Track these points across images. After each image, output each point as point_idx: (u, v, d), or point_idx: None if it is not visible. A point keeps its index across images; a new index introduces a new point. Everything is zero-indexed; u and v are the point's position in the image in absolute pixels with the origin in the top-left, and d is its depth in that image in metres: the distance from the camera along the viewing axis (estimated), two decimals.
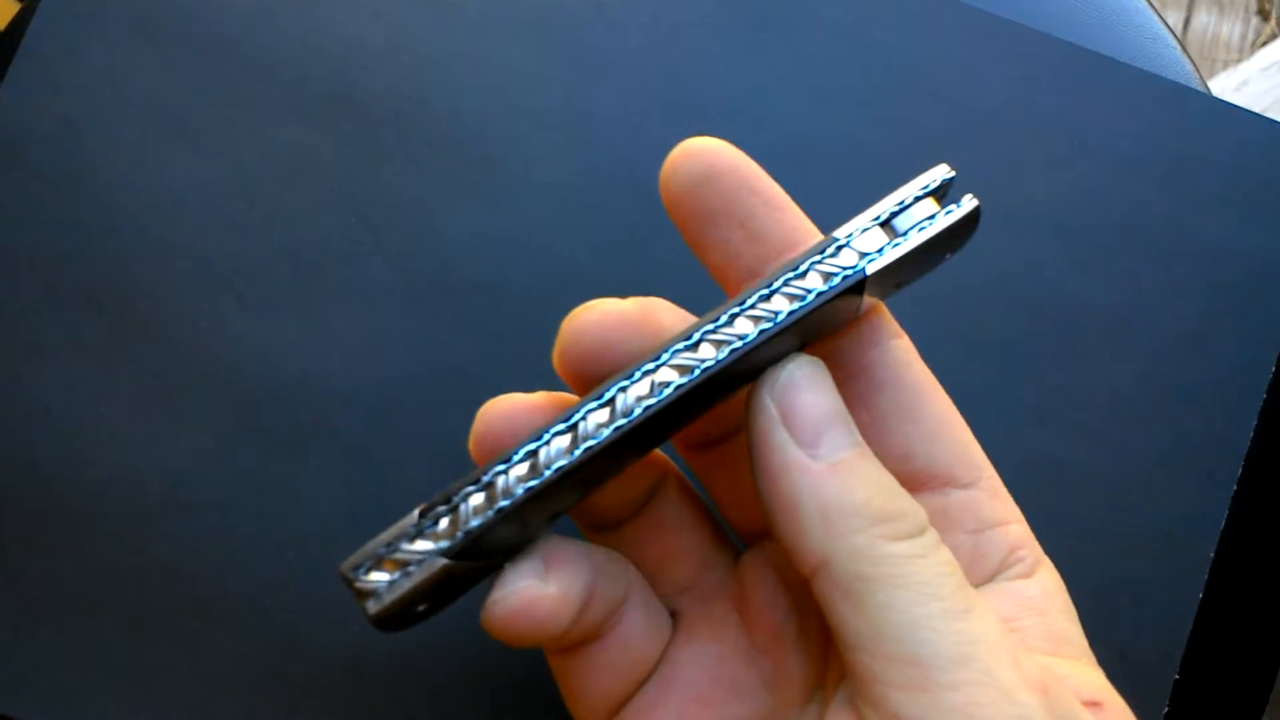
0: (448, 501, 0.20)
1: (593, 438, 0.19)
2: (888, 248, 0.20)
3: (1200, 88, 0.35)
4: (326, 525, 0.31)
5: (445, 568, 0.19)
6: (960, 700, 0.18)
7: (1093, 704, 0.21)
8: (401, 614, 0.20)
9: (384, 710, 0.30)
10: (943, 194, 0.21)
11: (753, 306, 0.20)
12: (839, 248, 0.20)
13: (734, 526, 0.26)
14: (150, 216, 0.32)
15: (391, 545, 0.19)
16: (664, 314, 0.22)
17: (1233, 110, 0.33)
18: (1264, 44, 1.18)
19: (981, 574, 0.23)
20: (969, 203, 0.21)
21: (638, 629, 0.23)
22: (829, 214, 0.30)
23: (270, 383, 0.31)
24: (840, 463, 0.20)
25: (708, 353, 0.20)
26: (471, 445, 0.22)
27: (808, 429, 0.20)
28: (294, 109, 0.33)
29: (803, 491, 0.20)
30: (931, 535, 0.20)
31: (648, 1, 0.33)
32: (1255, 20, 1.22)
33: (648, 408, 0.19)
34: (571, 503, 0.22)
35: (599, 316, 0.21)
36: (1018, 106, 0.33)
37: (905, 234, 0.20)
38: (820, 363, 0.21)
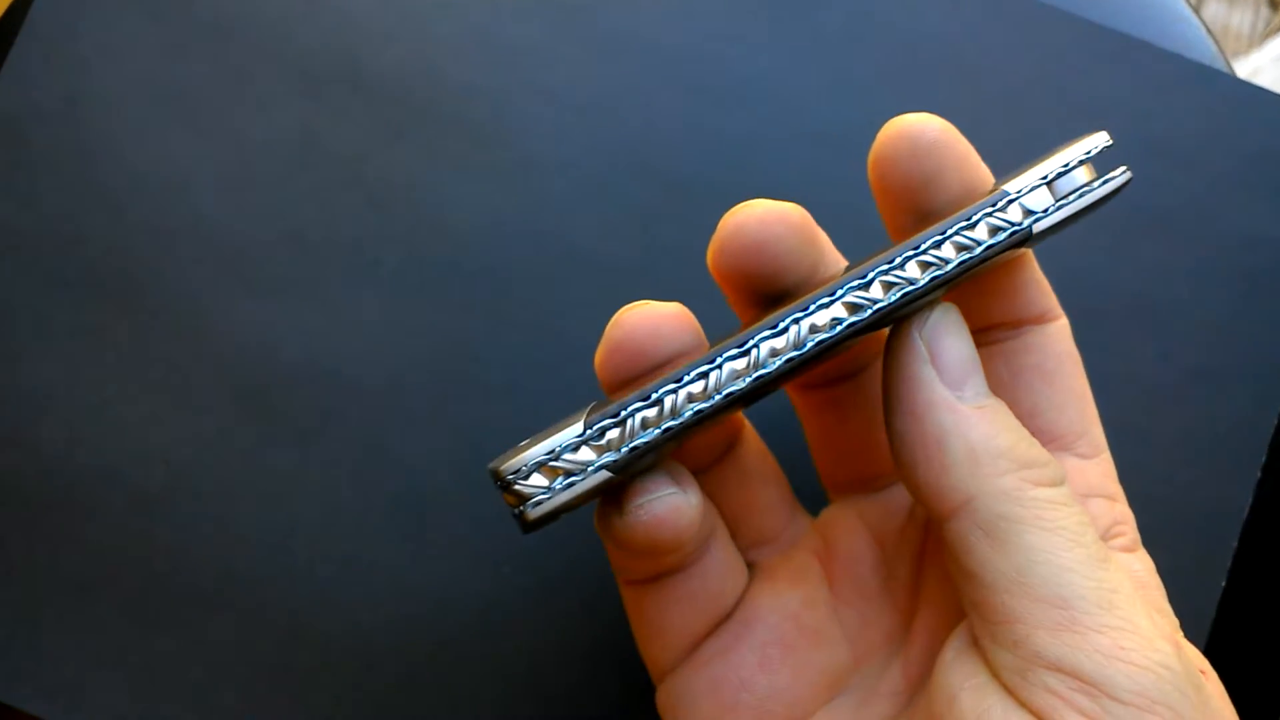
0: (615, 415, 0.20)
1: (764, 365, 0.20)
2: (1053, 209, 0.21)
3: (1225, 69, 0.34)
4: (332, 512, 0.30)
5: (607, 480, 0.20)
6: (1106, 643, 0.18)
7: (1200, 670, 0.21)
8: (550, 519, 0.20)
9: (390, 698, 0.30)
10: (1099, 161, 0.22)
11: (924, 252, 0.20)
12: (1009, 202, 0.21)
13: (825, 474, 0.26)
14: (155, 198, 0.31)
15: (554, 453, 0.20)
16: (817, 227, 0.22)
17: (1258, 92, 0.32)
18: (1274, 33, 1.17)
19: None
20: (1123, 174, 0.21)
21: (720, 563, 0.24)
22: (847, 195, 0.29)
23: (276, 368, 0.31)
24: (985, 407, 0.20)
25: (878, 293, 0.20)
26: (604, 354, 0.22)
27: (954, 370, 0.20)
28: (301, 89, 0.32)
29: (950, 430, 0.20)
30: (1069, 487, 0.21)
31: None
32: (1265, 10, 1.21)
33: (820, 341, 0.20)
34: (697, 435, 0.22)
35: (762, 212, 0.21)
36: (1040, 87, 0.32)
37: (1068, 197, 0.21)
38: (959, 312, 0.21)
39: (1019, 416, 0.23)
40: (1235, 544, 0.30)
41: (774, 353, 0.20)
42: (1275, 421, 0.31)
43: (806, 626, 0.24)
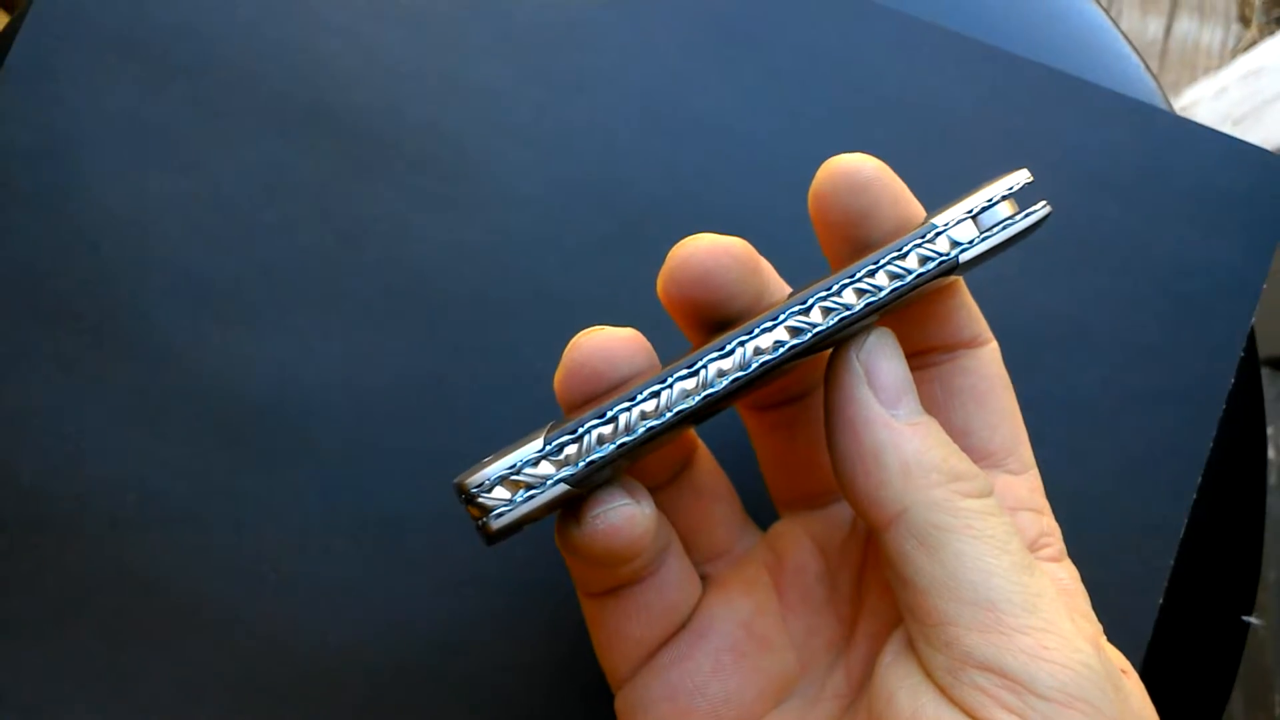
0: (573, 432, 0.21)
1: (712, 385, 0.21)
2: (977, 241, 0.22)
3: (1164, 106, 0.35)
4: (303, 536, 0.31)
5: (565, 493, 0.21)
6: (1030, 643, 0.20)
7: (1123, 670, 0.22)
8: (512, 531, 0.21)
9: (359, 717, 0.30)
10: (1021, 196, 0.23)
11: (859, 279, 0.22)
12: (937, 234, 0.22)
13: (774, 491, 0.28)
14: (130, 232, 0.32)
15: (515, 467, 0.21)
16: (759, 258, 0.24)
17: (1195, 128, 0.33)
18: (1245, 50, 1.19)
19: None
20: (1042, 209, 0.23)
21: (675, 576, 0.25)
22: (797, 230, 0.30)
23: (248, 396, 0.32)
24: (918, 423, 0.22)
25: (817, 317, 0.22)
26: (562, 376, 0.23)
27: (889, 390, 0.22)
28: (272, 126, 0.33)
29: (885, 445, 0.21)
30: (996, 498, 0.22)
31: (621, 20, 0.34)
32: (1236, 26, 1.23)
33: (764, 363, 0.21)
34: (650, 451, 0.23)
35: (708, 245, 0.23)
36: (984, 124, 0.33)
37: (991, 230, 0.22)
38: (894, 335, 0.23)
39: (953, 435, 0.24)
40: (1172, 561, 0.31)
41: (721, 373, 0.21)
42: (1210, 443, 0.32)
43: (757, 634, 0.25)
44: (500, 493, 0.21)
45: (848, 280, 0.22)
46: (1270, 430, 0.83)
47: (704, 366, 0.22)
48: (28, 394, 0.32)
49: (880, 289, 0.22)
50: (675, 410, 0.21)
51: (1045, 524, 0.25)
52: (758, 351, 0.22)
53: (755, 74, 0.34)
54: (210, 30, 0.33)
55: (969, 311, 0.25)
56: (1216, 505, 0.33)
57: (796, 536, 0.26)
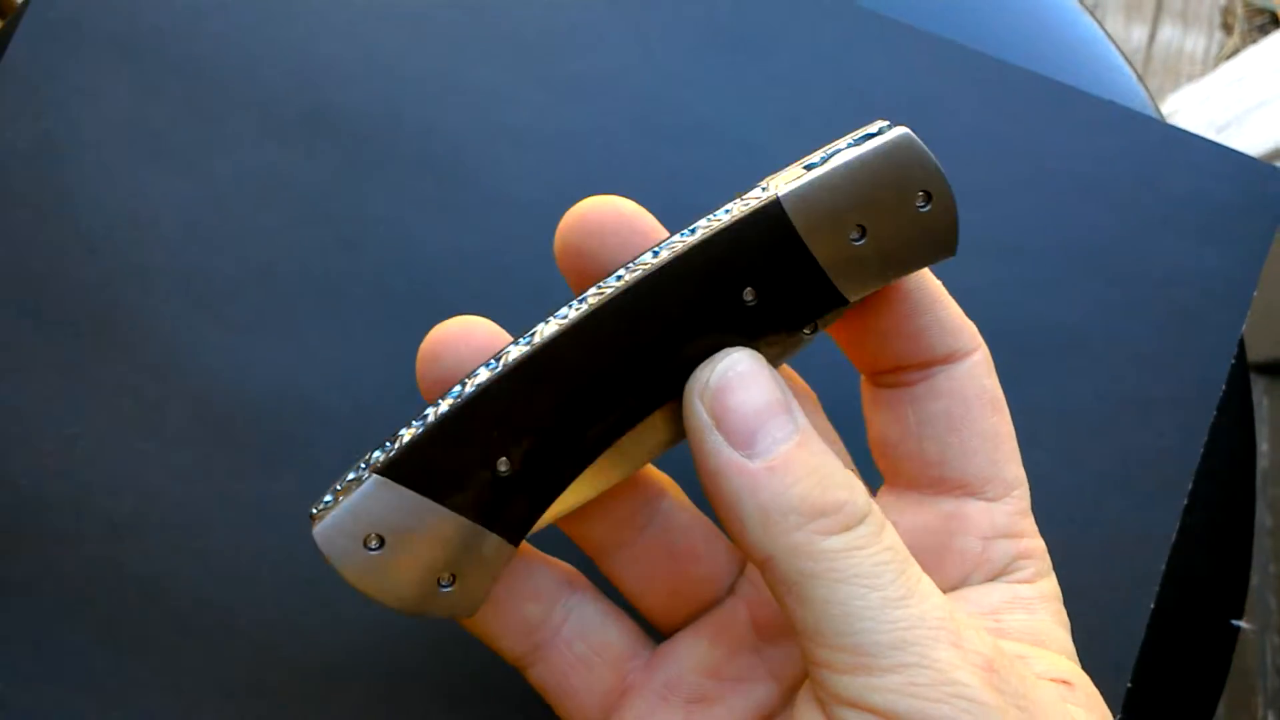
0: (393, 434, 0.21)
1: (509, 362, 0.21)
2: (804, 179, 0.21)
3: (1155, 114, 0.36)
4: (301, 540, 0.31)
5: (377, 483, 0.21)
6: (899, 681, 0.19)
7: (1062, 681, 0.22)
8: (346, 535, 0.21)
9: (356, 718, 0.30)
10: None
11: (678, 241, 0.21)
12: (763, 189, 0.21)
13: None
14: (127, 236, 0.32)
15: (343, 476, 0.21)
16: (650, 219, 0.23)
17: (1186, 136, 0.34)
18: (1227, 57, 1.20)
19: (984, 575, 0.24)
20: (894, 131, 0.21)
21: (586, 625, 0.25)
22: None
23: (245, 399, 0.32)
24: (776, 460, 0.20)
25: (638, 273, 0.21)
26: (418, 373, 0.24)
27: (741, 429, 0.21)
28: (270, 128, 0.33)
29: (741, 493, 0.20)
30: (871, 522, 0.21)
31: (622, 24, 0.34)
32: (1219, 34, 1.24)
33: (557, 331, 0.21)
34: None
35: (598, 202, 0.23)
36: (979, 132, 0.34)
37: (819, 165, 0.21)
38: (754, 353, 0.22)
39: (924, 466, 0.23)
40: (1163, 567, 0.32)
41: (521, 353, 0.21)
42: (1201, 450, 0.32)
43: (728, 677, 0.25)
44: (329, 498, 0.21)
45: (666, 240, 0.21)
46: (1260, 435, 0.84)
47: (505, 352, 0.21)
48: (25, 397, 0.31)
49: (696, 230, 0.21)
50: (476, 385, 0.21)
51: (1023, 547, 0.24)
52: (554, 322, 0.21)
53: (753, 79, 0.34)
54: (208, 32, 0.33)
55: (942, 324, 0.23)
56: (1207, 511, 0.33)
57: None
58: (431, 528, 0.21)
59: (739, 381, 0.21)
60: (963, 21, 0.36)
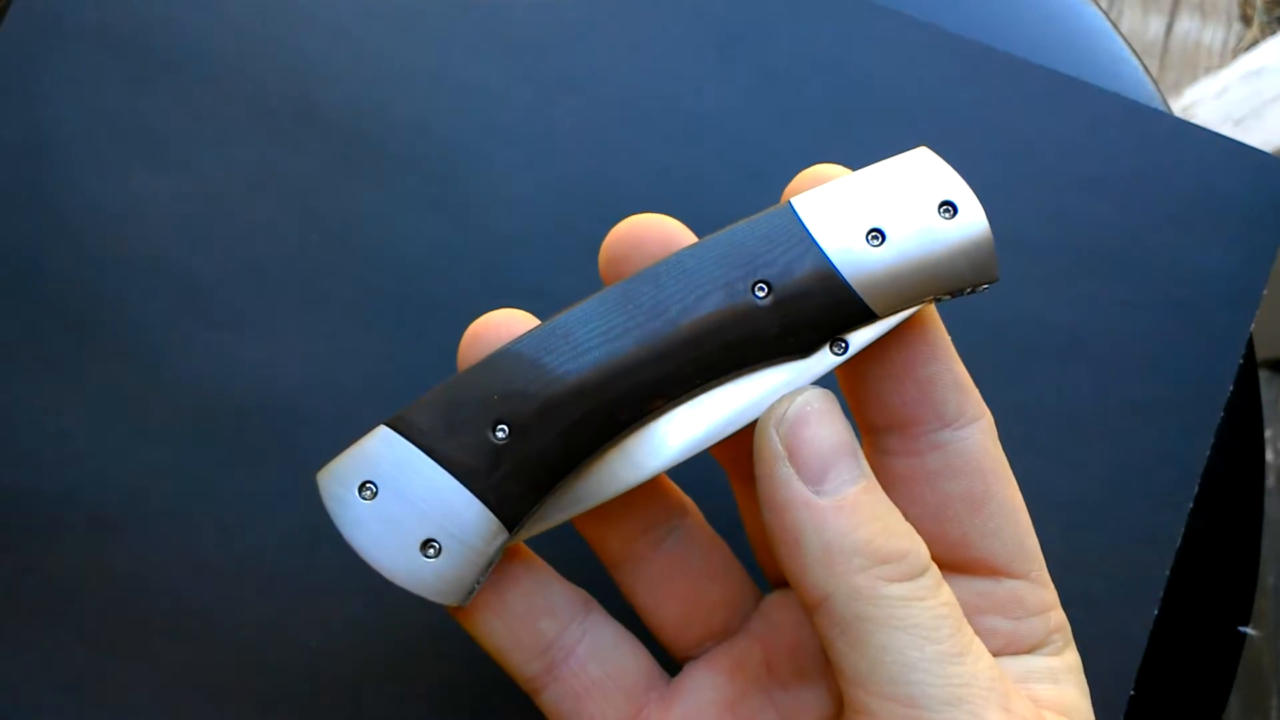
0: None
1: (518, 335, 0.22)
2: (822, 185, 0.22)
3: (1163, 107, 0.35)
4: (286, 539, 0.31)
5: (382, 433, 0.22)
6: None
7: None
8: (342, 481, 0.22)
9: None
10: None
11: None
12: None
13: (763, 564, 0.27)
14: (114, 230, 0.32)
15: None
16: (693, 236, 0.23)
17: (1193, 130, 0.33)
18: (1246, 49, 1.18)
19: (1014, 651, 0.23)
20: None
21: (599, 647, 0.24)
22: None
23: (231, 397, 0.31)
24: (845, 500, 0.20)
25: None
26: (458, 356, 0.24)
27: (814, 464, 0.20)
28: (258, 124, 0.33)
29: (806, 528, 0.20)
30: (931, 575, 0.21)
31: (612, 18, 0.33)
32: (1238, 26, 1.22)
33: (566, 311, 0.22)
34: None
35: (643, 219, 0.23)
36: (981, 126, 0.33)
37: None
38: (829, 394, 0.21)
39: (947, 548, 0.23)
40: (1168, 573, 0.31)
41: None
42: (1207, 453, 0.32)
43: (743, 716, 0.24)
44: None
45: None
46: (1269, 433, 0.83)
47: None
48: (10, 392, 0.31)
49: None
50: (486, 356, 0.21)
51: (1053, 622, 0.24)
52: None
53: (748, 74, 0.33)
54: (197, 26, 0.33)
55: (954, 380, 0.23)
56: (1213, 515, 0.32)
57: (789, 608, 0.25)
58: (422, 483, 0.21)
59: (815, 418, 0.21)
60: (964, 13, 0.35)
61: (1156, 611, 0.31)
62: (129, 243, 0.32)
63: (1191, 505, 0.31)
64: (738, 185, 0.33)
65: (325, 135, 0.32)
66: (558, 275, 0.32)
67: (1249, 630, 0.33)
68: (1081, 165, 0.33)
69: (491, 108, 0.33)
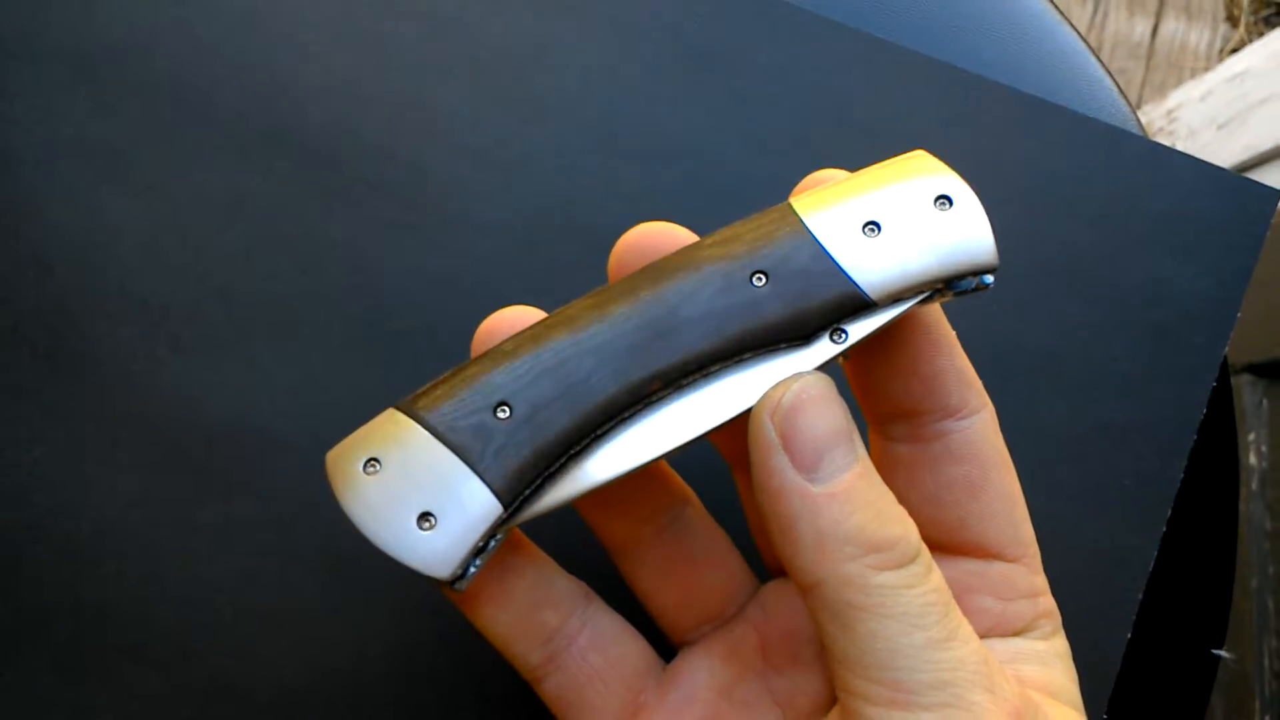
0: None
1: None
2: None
3: (1136, 130, 0.35)
4: (257, 569, 0.30)
5: (389, 413, 0.22)
6: (932, 718, 0.20)
7: None
8: (348, 458, 0.22)
9: None
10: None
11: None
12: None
13: (762, 552, 0.28)
14: (85, 257, 0.32)
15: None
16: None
17: (1168, 152, 0.33)
18: (1233, 51, 1.18)
19: (1001, 633, 0.24)
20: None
21: (598, 637, 0.25)
22: None
23: (202, 425, 0.31)
24: (838, 487, 0.21)
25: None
26: (471, 349, 0.25)
27: (807, 452, 0.21)
28: (229, 149, 0.32)
29: (799, 516, 0.20)
30: (921, 561, 0.21)
31: (586, 44, 0.33)
32: (1224, 27, 1.23)
33: (574, 304, 0.23)
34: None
35: (653, 226, 0.24)
36: (954, 148, 0.33)
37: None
38: (826, 379, 0.21)
39: (943, 530, 0.24)
40: (1140, 595, 0.31)
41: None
42: (1181, 474, 0.32)
43: (738, 700, 0.25)
44: None
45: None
46: (1251, 436, 0.83)
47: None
48: None
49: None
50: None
51: (1042, 607, 0.24)
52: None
53: (721, 96, 0.33)
54: (167, 50, 0.33)
55: (958, 373, 0.24)
56: (1187, 537, 0.32)
57: (787, 595, 0.26)
58: (423, 458, 0.22)
59: (811, 404, 0.21)
60: (937, 36, 0.35)
61: (1130, 634, 0.31)
62: (98, 268, 0.32)
63: (1165, 529, 0.31)
64: (711, 207, 0.32)
65: (297, 160, 0.32)
66: (532, 298, 0.32)
67: (1223, 653, 0.33)
68: (1056, 188, 0.33)
69: (464, 131, 0.33)
